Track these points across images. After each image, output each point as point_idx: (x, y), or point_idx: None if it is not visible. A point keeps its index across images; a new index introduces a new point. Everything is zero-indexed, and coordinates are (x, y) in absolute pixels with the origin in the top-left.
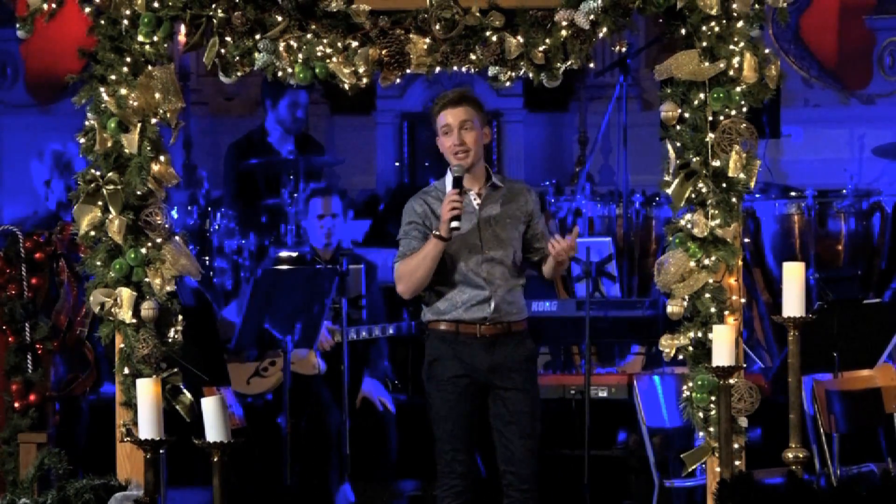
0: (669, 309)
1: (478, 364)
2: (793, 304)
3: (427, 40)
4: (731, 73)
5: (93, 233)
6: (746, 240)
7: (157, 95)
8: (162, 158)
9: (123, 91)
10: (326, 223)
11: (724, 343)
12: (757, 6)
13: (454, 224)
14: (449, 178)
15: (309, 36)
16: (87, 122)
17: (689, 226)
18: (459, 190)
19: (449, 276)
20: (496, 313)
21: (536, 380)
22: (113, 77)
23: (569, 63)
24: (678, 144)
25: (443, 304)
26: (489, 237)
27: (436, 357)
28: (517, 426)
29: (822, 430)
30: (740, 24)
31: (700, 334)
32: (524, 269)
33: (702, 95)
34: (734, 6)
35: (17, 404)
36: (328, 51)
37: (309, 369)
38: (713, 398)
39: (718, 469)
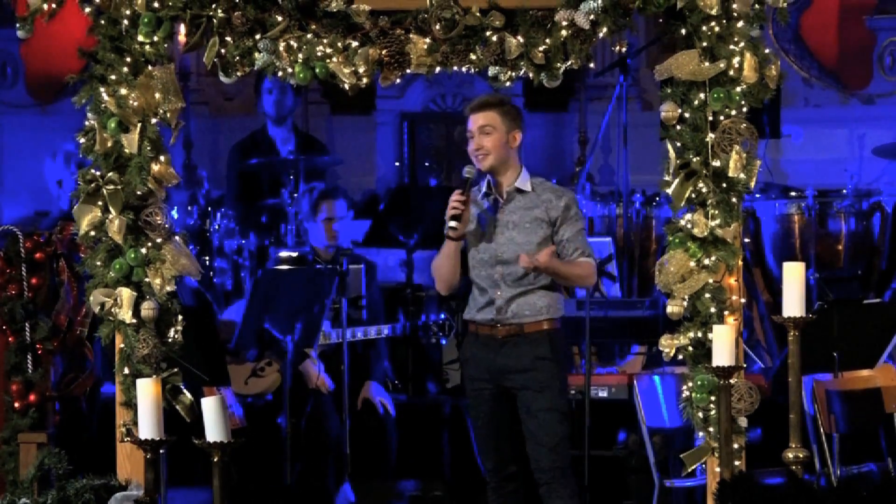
0: (669, 309)
1: (490, 365)
2: (793, 304)
3: (427, 40)
4: (732, 73)
5: (93, 233)
6: (746, 240)
7: (158, 95)
8: (162, 158)
9: (123, 91)
10: (335, 226)
11: (724, 343)
12: (757, 6)
13: (451, 223)
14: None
15: (309, 36)
16: (87, 122)
17: (689, 226)
18: (463, 191)
19: (470, 276)
20: (500, 315)
21: (555, 377)
22: (113, 77)
23: (569, 63)
24: (678, 144)
25: (469, 303)
26: (505, 241)
27: (465, 358)
28: (533, 424)
29: (822, 429)
30: (740, 23)
31: (700, 334)
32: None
33: (702, 95)
34: (734, 6)
35: (17, 404)
36: (328, 51)
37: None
38: (713, 398)
39: (718, 469)
